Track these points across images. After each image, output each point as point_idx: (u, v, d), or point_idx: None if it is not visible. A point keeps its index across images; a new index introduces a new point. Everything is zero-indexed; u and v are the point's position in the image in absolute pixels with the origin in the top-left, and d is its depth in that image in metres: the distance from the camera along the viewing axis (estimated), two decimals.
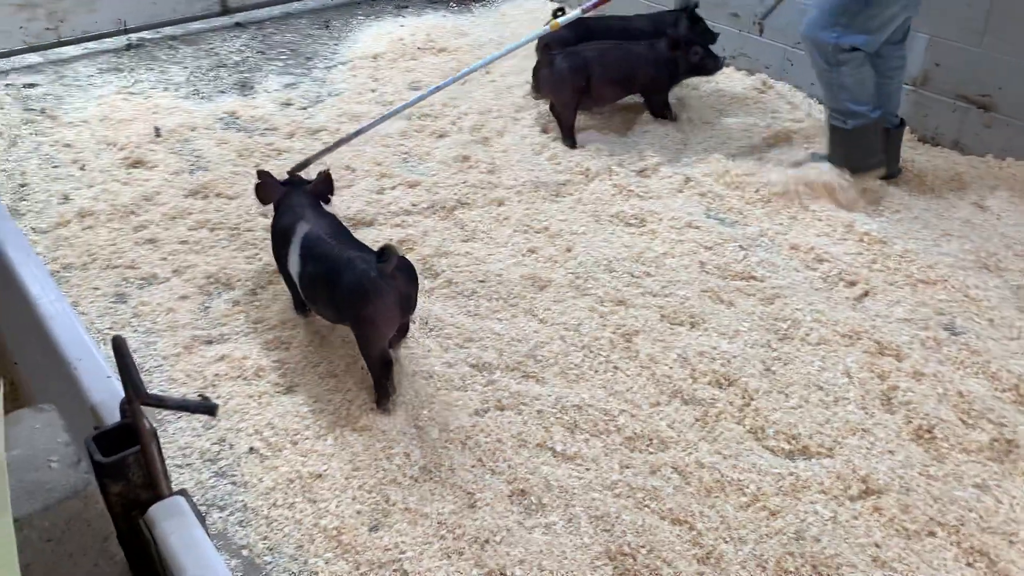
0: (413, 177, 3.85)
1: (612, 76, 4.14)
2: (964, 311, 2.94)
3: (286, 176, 3.14)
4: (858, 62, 3.36)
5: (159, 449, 1.03)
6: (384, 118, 3.79)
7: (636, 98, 4.42)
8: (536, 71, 4.52)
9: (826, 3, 3.35)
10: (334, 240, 2.65)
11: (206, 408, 1.05)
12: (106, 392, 1.13)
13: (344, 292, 2.52)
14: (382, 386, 2.59)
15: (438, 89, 3.82)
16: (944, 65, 3.90)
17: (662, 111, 4.30)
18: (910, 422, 2.51)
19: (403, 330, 2.82)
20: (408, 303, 2.59)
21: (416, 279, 2.62)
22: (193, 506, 1.02)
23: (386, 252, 2.42)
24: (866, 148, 3.55)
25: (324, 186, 2.95)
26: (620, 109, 4.44)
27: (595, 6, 3.92)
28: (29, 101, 4.63)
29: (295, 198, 2.87)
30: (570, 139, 4.12)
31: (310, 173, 3.28)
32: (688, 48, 4.09)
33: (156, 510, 1.00)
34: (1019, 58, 3.62)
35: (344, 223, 2.91)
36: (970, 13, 3.72)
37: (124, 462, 1.00)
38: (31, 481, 0.95)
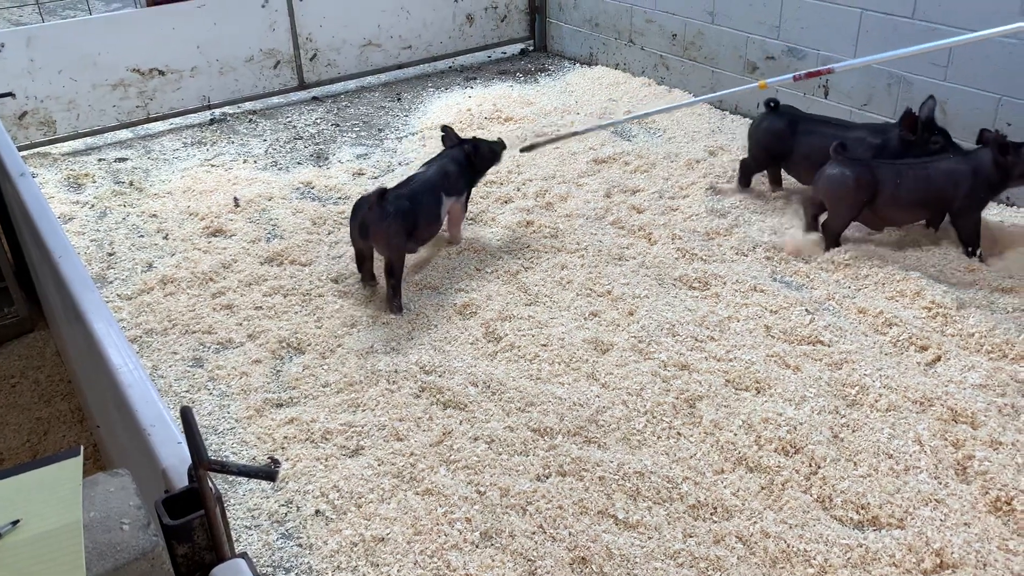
0: (479, 244, 3.94)
1: (910, 198, 3.55)
2: None
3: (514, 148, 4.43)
4: None
5: (223, 513, 1.08)
6: (601, 126, 4.76)
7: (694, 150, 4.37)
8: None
9: None
10: (413, 177, 3.69)
11: (266, 474, 1.10)
12: (176, 457, 1.20)
13: None
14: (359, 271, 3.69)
15: (641, 116, 4.78)
16: None
17: (974, 238, 3.59)
18: (987, 493, 2.42)
19: (387, 270, 3.46)
20: (364, 230, 3.45)
21: (376, 215, 3.38)
22: (252, 568, 1.07)
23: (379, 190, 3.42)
24: None
25: (481, 148, 3.93)
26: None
27: (809, 75, 3.76)
28: (119, 174, 4.92)
29: (446, 150, 3.91)
30: (833, 243, 3.72)
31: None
32: (1018, 150, 3.43)
33: (218, 572, 1.05)
34: None
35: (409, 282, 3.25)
36: None
37: (190, 525, 1.05)
38: (104, 542, 1.01)
